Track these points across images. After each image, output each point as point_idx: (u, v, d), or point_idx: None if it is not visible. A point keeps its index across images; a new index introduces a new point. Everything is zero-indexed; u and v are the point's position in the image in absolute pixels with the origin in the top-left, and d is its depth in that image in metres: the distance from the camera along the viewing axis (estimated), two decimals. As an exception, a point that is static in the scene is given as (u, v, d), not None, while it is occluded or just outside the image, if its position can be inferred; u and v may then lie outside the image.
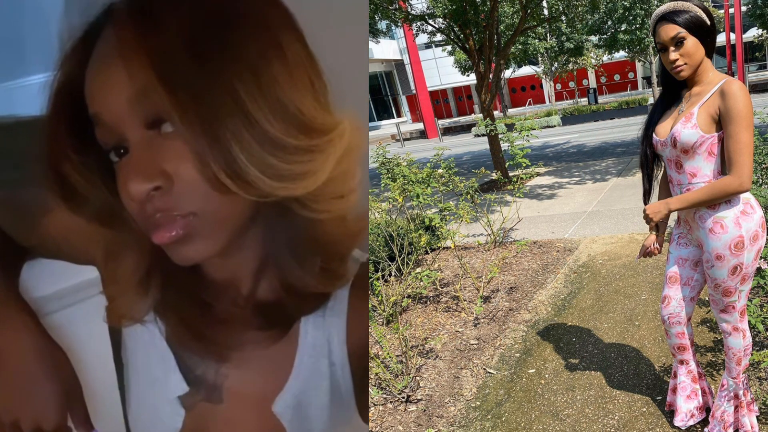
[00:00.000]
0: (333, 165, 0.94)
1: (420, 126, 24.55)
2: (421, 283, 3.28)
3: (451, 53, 22.43)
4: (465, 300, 3.57)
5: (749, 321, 2.03)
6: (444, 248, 4.80)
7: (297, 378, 1.07)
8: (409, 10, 8.00)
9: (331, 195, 0.97)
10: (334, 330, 1.07)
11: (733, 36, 18.79)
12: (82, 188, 0.97)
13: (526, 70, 26.69)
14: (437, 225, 3.71)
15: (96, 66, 0.89)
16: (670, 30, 1.55)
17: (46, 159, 0.96)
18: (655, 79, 18.80)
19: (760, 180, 3.47)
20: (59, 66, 0.93)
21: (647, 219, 1.73)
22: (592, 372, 2.51)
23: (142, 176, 0.87)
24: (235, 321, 1.05)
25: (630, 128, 12.81)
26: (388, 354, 2.61)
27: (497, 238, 4.64)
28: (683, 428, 1.98)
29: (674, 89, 1.73)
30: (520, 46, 19.26)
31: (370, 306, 3.15)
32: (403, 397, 2.52)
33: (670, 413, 2.07)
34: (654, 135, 1.73)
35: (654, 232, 1.89)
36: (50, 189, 0.98)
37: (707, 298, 2.35)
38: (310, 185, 0.93)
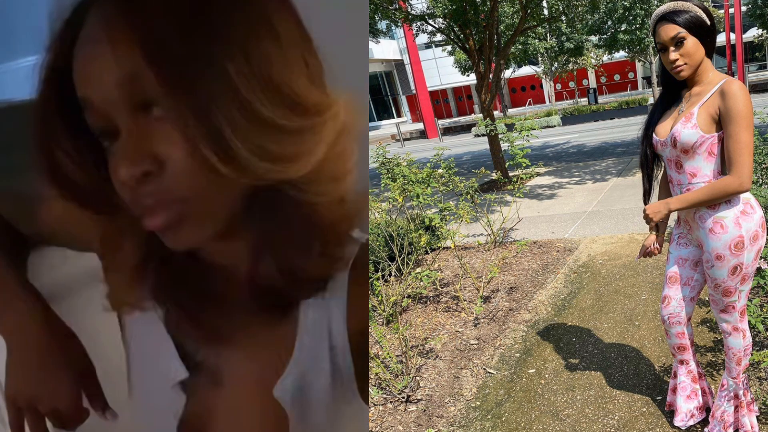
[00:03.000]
0: (327, 146, 0.93)
1: (420, 126, 24.55)
2: (421, 283, 3.28)
3: (451, 53, 22.43)
4: (465, 300, 3.57)
5: (749, 321, 2.03)
6: (444, 248, 4.80)
7: (297, 362, 1.06)
8: (409, 10, 8.00)
9: (327, 177, 0.95)
10: (334, 313, 1.06)
11: (733, 36, 18.78)
12: (74, 174, 0.96)
13: (526, 70, 26.68)
14: (437, 225, 3.71)
15: (84, 48, 0.87)
16: (670, 30, 1.55)
17: (38, 145, 0.95)
18: (655, 79, 18.80)
19: (760, 180, 3.47)
20: (48, 48, 0.91)
21: (647, 219, 1.73)
22: (592, 372, 2.51)
23: (133, 161, 0.86)
24: (234, 306, 1.04)
25: (630, 128, 12.80)
26: (388, 354, 2.61)
27: (497, 238, 4.64)
28: (683, 428, 1.98)
29: (674, 89, 1.73)
30: (520, 46, 19.25)
31: (370, 306, 3.15)
32: (403, 397, 2.52)
33: (670, 413, 2.07)
34: (654, 135, 1.73)
35: (654, 232, 1.89)
36: (43, 175, 0.97)
37: (707, 298, 2.35)
38: (304, 167, 0.91)
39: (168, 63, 0.82)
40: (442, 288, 3.88)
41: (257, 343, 1.06)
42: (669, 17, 1.55)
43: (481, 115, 9.67)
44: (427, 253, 4.59)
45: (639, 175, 6.55)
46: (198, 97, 0.83)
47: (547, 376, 2.56)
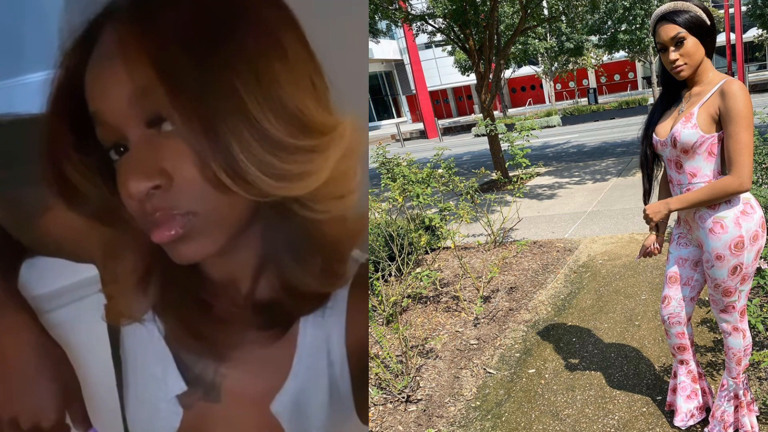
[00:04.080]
0: (333, 165, 0.95)
1: (420, 126, 24.55)
2: (421, 283, 3.28)
3: (451, 53, 22.43)
4: (465, 300, 3.57)
5: (749, 321, 2.03)
6: (444, 248, 4.80)
7: (296, 377, 1.07)
8: (409, 10, 8.00)
9: (331, 195, 0.97)
10: (334, 330, 1.07)
11: (733, 36, 18.78)
12: (82, 187, 0.98)
13: (526, 70, 26.68)
14: (437, 225, 3.71)
15: (97, 64, 0.89)
16: (670, 30, 1.55)
17: (47, 157, 0.96)
18: (655, 79, 18.80)
19: (760, 180, 3.47)
20: (59, 64, 0.93)
21: (647, 219, 1.73)
22: (592, 372, 2.51)
23: (142, 175, 0.87)
24: (235, 320, 1.05)
25: (630, 128, 12.81)
26: (388, 354, 2.61)
27: (497, 238, 4.64)
28: (683, 428, 1.98)
29: (674, 89, 1.73)
30: (520, 46, 19.26)
31: (370, 306, 3.15)
32: (403, 397, 2.52)
33: (670, 413, 2.07)
34: (654, 135, 1.73)
35: (654, 232, 1.89)
36: (50, 187, 0.98)
37: (707, 298, 2.35)
38: (310, 185, 0.93)
39: (179, 80, 0.84)
40: (442, 288, 3.88)
41: (256, 358, 1.07)
42: (669, 17, 1.55)
43: (481, 115, 9.67)
44: (427, 253, 4.59)
45: (639, 175, 6.55)
46: (208, 114, 0.84)
47: (547, 376, 2.56)
